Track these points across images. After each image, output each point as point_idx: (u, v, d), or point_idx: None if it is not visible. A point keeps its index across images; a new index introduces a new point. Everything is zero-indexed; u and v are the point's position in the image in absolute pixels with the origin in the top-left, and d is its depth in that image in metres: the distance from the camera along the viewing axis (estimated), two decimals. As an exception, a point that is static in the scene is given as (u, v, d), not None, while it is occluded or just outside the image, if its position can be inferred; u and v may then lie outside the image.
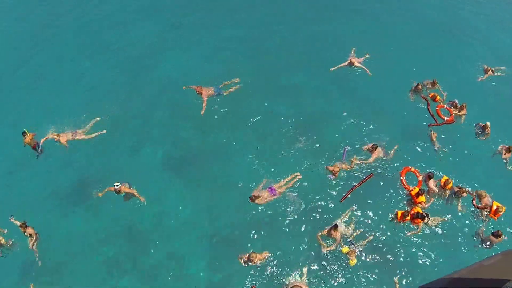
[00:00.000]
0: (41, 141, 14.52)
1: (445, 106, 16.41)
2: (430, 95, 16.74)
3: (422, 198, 13.46)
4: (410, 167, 14.51)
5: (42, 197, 14.13)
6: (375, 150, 14.44)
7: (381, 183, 14.30)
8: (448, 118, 16.08)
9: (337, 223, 12.54)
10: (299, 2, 22.19)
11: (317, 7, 21.72)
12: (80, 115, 15.71)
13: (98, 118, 15.40)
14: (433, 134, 15.45)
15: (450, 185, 13.82)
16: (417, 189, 13.55)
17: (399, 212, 13.09)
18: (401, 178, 14.25)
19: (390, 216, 13.46)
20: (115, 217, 13.62)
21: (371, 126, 15.93)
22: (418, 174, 14.31)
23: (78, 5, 21.87)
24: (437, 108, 16.33)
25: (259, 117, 16.06)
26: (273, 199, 13.29)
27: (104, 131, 15.15)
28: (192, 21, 20.45)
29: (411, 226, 13.21)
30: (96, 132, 15.03)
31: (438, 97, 16.60)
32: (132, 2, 22.16)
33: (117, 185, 12.68)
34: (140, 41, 19.61)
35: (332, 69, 17.38)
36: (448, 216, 13.52)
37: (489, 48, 20.23)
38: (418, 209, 13.15)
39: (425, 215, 12.93)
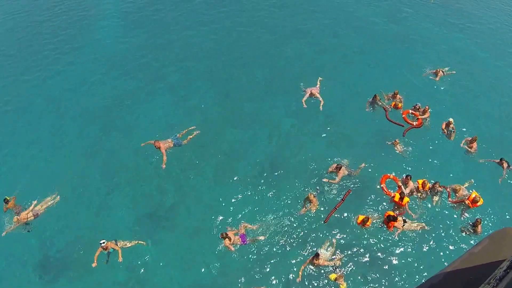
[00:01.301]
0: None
1: (410, 111, 16.90)
2: (392, 104, 17.24)
3: (407, 199, 13.66)
4: (388, 174, 14.66)
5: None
6: (340, 170, 14.47)
7: (359, 197, 14.37)
8: (416, 123, 16.55)
9: (318, 252, 12.35)
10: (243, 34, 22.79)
11: (265, 37, 22.42)
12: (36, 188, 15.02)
13: (57, 196, 14.78)
14: (395, 141, 15.75)
15: (427, 186, 14.04)
16: (398, 195, 13.61)
17: (360, 217, 13.17)
18: (381, 186, 14.32)
19: (378, 221, 13.47)
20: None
21: (336, 147, 16.15)
22: (397, 180, 14.47)
23: (41, 68, 21.54)
24: (403, 116, 16.79)
25: (223, 159, 15.86)
26: (239, 244, 12.97)
27: (58, 198, 14.59)
28: (145, 75, 20.47)
29: (388, 231, 13.23)
30: (52, 201, 14.48)
31: (400, 105, 17.11)
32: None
33: (103, 242, 12.40)
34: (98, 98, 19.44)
35: (304, 103, 17.60)
36: (428, 217, 13.75)
37: (433, 51, 21.53)
38: (390, 212, 13.26)
39: (397, 217, 12.99)
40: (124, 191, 14.89)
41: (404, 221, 13.10)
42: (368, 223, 12.97)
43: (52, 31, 24.18)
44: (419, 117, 16.60)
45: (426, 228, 13.27)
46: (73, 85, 19.81)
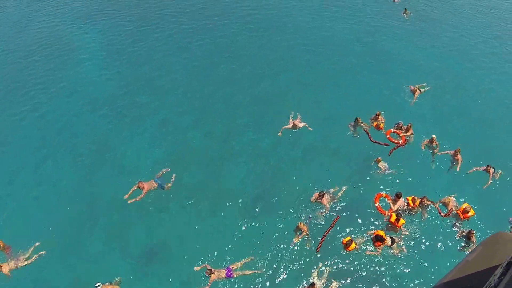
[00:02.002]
0: None
1: (392, 130, 17.24)
2: (374, 125, 17.58)
3: (402, 221, 13.67)
4: (381, 192, 14.79)
5: None
6: (323, 197, 14.50)
7: (350, 221, 14.35)
8: (400, 141, 16.86)
9: (314, 282, 12.17)
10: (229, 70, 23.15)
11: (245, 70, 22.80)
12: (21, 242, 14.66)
13: (38, 243, 14.47)
14: (378, 159, 15.98)
15: (417, 202, 14.20)
16: (394, 216, 13.72)
17: (343, 240, 13.18)
18: (376, 205, 14.41)
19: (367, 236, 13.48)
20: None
21: (320, 173, 16.15)
22: (389, 198, 14.59)
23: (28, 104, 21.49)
24: (387, 136, 17.08)
25: (207, 195, 15.65)
26: (225, 278, 12.73)
27: (44, 252, 14.27)
28: (129, 110, 20.52)
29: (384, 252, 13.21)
30: (36, 255, 14.15)
31: (382, 125, 17.46)
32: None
33: (98, 285, 12.25)
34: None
35: (281, 131, 17.78)
36: (420, 232, 13.83)
37: (410, 68, 22.15)
38: (380, 232, 13.26)
39: (385, 238, 13.01)
40: (110, 233, 14.61)
41: (393, 241, 13.12)
42: (351, 247, 12.87)
43: (34, 67, 24.46)
44: (402, 134, 16.90)
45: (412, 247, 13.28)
46: (54, 122, 19.72)
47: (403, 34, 25.67)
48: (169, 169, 16.21)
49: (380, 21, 27.43)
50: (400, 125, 17.30)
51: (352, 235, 13.63)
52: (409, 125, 17.04)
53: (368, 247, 13.26)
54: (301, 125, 17.55)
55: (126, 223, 14.93)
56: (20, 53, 26.70)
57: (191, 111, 19.76)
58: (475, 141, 17.32)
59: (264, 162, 16.76)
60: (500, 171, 15.40)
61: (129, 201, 15.26)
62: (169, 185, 15.70)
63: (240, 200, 15.27)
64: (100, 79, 22.89)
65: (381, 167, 15.65)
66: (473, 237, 12.81)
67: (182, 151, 17.48)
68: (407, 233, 13.59)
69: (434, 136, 16.46)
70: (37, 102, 21.57)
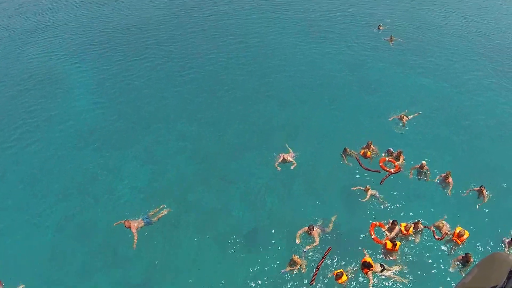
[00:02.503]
0: None
1: (386, 158, 17.33)
2: (360, 152, 17.68)
3: (398, 243, 13.66)
4: (374, 222, 14.72)
5: None
6: (313, 230, 14.34)
7: (343, 251, 14.20)
8: (394, 169, 16.93)
9: None
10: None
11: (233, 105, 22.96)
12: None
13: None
14: (367, 187, 15.97)
15: (411, 230, 14.15)
16: (389, 243, 13.62)
17: (335, 272, 12.98)
18: (372, 237, 14.28)
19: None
20: None
21: (310, 205, 16.07)
22: (383, 226, 14.52)
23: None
24: (380, 164, 17.13)
25: (198, 230, 15.41)
26: None
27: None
28: (121, 144, 20.34)
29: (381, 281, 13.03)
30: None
31: (369, 153, 17.55)
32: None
33: None
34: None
35: (277, 165, 17.63)
36: (415, 256, 13.78)
37: (396, 94, 22.60)
38: (367, 258, 13.14)
39: (373, 265, 12.88)
40: (101, 274, 14.19)
41: (383, 268, 12.98)
42: (342, 279, 12.65)
43: (24, 96, 24.63)
44: (396, 164, 16.97)
45: (405, 269, 13.11)
46: (41, 152, 19.60)
47: (390, 60, 26.29)
48: (161, 207, 15.96)
49: (366, 48, 28.10)
50: (390, 152, 17.41)
51: (344, 267, 13.42)
52: (399, 151, 17.15)
53: (360, 278, 13.04)
54: (290, 158, 17.49)
55: (116, 262, 14.56)
56: (11, 81, 26.85)
57: (182, 142, 19.77)
58: (465, 163, 17.55)
59: (255, 194, 16.62)
60: (489, 194, 15.46)
61: (114, 224, 14.97)
62: (155, 219, 15.37)
63: (229, 234, 15.03)
64: (90, 110, 22.93)
65: (371, 195, 15.60)
66: (471, 259, 12.73)
67: (173, 183, 17.32)
68: (404, 258, 13.41)
69: (424, 162, 16.58)
70: (26, 130, 21.53)
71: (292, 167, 17.30)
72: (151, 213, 15.61)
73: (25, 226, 15.93)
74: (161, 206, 15.98)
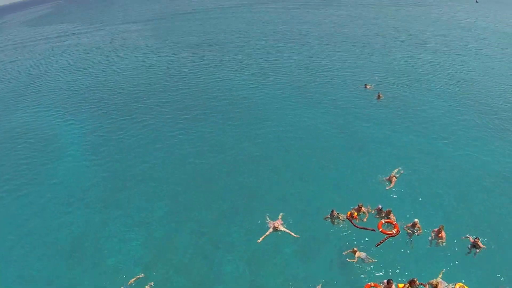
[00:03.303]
0: None
1: (383, 221, 17.44)
2: (348, 214, 17.82)
3: None
4: (369, 283, 14.71)
5: None
6: None
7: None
8: (395, 230, 17.02)
9: None
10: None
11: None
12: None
13: None
14: (354, 249, 16.03)
15: (407, 290, 14.22)
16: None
17: None
18: None
19: None
20: None
21: (300, 272, 15.77)
22: (378, 286, 14.56)
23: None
24: (380, 229, 16.92)
25: None
26: None
27: None
28: (111, 204, 20.30)
29: None
30: None
31: (356, 214, 17.70)
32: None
33: None
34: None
35: (259, 240, 17.31)
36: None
37: (385, 151, 23.09)
38: None
39: None
40: None
41: None
42: None
43: (15, 150, 24.96)
44: (395, 223, 17.10)
45: None
46: (30, 209, 19.59)
47: (377, 118, 27.15)
48: (143, 275, 15.61)
49: (354, 107, 29.10)
50: (379, 209, 17.70)
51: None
52: (388, 210, 17.45)
53: None
54: (282, 228, 17.40)
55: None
56: (4, 135, 27.13)
57: (172, 203, 19.74)
58: (456, 217, 17.70)
59: (245, 260, 16.37)
60: (484, 245, 15.72)
61: None
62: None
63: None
64: (81, 166, 23.15)
65: (359, 257, 15.71)
66: None
67: (161, 247, 17.11)
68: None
69: (416, 220, 16.77)
70: (17, 183, 21.67)
71: (293, 234, 17.26)
72: (132, 281, 15.22)
73: (9, 279, 15.70)
74: (139, 275, 15.57)
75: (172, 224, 18.41)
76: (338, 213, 17.60)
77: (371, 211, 17.96)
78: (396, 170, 20.66)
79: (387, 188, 19.63)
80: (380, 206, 17.79)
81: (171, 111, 30.53)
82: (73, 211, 19.58)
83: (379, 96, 30.41)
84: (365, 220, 17.49)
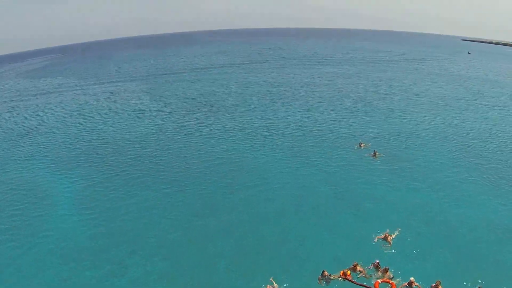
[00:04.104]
0: None
1: (379, 281, 17.23)
2: (341, 273, 17.49)
3: None
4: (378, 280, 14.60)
5: None
6: None
7: None
8: None
9: None
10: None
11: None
12: None
13: None
14: None
15: None
16: None
17: None
18: None
19: None
20: None
21: None
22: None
23: None
24: None
25: None
26: None
27: None
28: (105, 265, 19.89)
29: None
30: None
31: (349, 272, 17.53)
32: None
33: None
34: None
35: None
36: None
37: (382, 209, 23.23)
38: None
39: None
40: None
41: None
42: None
43: (6, 206, 24.86)
44: (392, 282, 17.12)
45: None
46: (20, 266, 19.29)
47: (374, 176, 27.54)
48: None
49: (350, 165, 29.62)
50: (377, 264, 17.69)
51: None
52: (385, 268, 17.44)
53: None
54: None
55: None
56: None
57: (166, 267, 19.40)
58: (453, 271, 17.70)
59: None
60: None
61: None
62: None
63: None
64: (73, 221, 23.06)
65: None
66: None
67: None
68: None
69: (412, 278, 16.80)
70: (8, 234, 21.61)
71: None
72: None
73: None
74: None
75: (164, 280, 18.21)
76: (329, 274, 17.46)
77: (368, 267, 17.89)
78: (389, 231, 20.60)
79: (384, 246, 19.65)
80: (377, 261, 17.75)
81: (165, 168, 30.90)
82: (63, 270, 19.21)
83: (375, 154, 31.02)
84: (359, 276, 17.43)
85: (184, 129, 41.92)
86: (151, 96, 62.65)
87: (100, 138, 40.66)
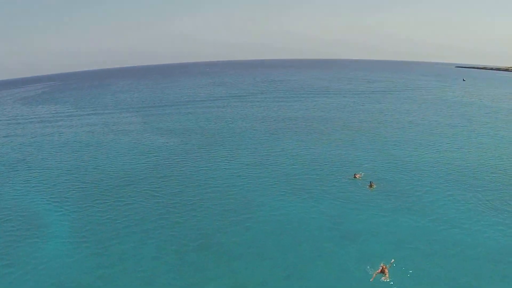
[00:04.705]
0: None
1: None
2: None
3: None
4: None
5: None
6: None
7: None
8: None
9: None
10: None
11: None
12: None
13: None
14: None
15: None
16: None
17: None
18: None
19: None
20: None
21: None
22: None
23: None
24: None
25: None
26: None
27: None
28: None
29: None
30: None
31: None
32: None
33: None
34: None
35: None
36: None
37: (379, 240, 22.76)
38: None
39: None
40: None
41: None
42: None
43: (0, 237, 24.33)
44: None
45: None
46: None
47: (369, 207, 27.24)
48: None
49: (346, 197, 29.31)
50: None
51: None
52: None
53: None
54: None
55: None
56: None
57: None
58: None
59: None
60: None
61: None
62: None
63: None
64: (65, 255, 22.59)
65: None
66: None
67: None
68: None
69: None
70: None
71: None
72: None
73: None
74: None
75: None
76: None
77: None
78: (383, 263, 20.00)
79: (382, 279, 19.11)
80: None
81: (160, 197, 30.71)
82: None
83: (371, 185, 30.83)
84: None
85: (179, 159, 41.93)
86: (146, 127, 63.01)
87: (96, 166, 40.58)
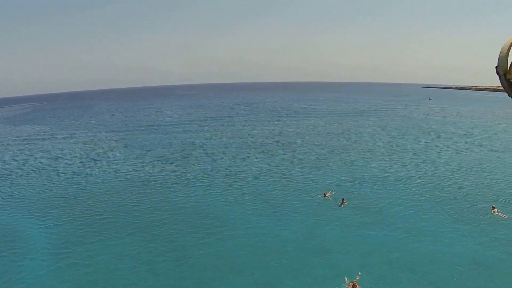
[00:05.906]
0: None
1: None
2: None
3: None
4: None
5: None
6: None
7: None
8: None
9: None
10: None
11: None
12: None
13: None
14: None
15: None
16: None
17: None
18: None
19: None
20: None
21: None
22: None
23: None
24: None
25: None
26: None
27: None
28: None
29: None
30: None
31: None
32: None
33: None
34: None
35: None
36: None
37: (350, 258, 22.77)
38: None
39: None
40: None
41: None
42: None
43: None
44: None
45: None
46: None
47: (340, 224, 27.54)
48: None
49: (317, 215, 29.42)
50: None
51: None
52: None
53: None
54: None
55: None
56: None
57: None
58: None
59: None
60: None
61: None
62: None
63: None
64: (45, 270, 22.49)
65: None
66: None
67: None
68: None
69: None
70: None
71: None
72: None
73: None
74: None
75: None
76: None
77: None
78: (350, 280, 20.05)
79: None
80: None
81: (138, 211, 30.95)
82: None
83: (342, 202, 31.07)
84: None
85: (156, 177, 42.07)
86: (126, 146, 63.00)
87: (77, 183, 40.58)
